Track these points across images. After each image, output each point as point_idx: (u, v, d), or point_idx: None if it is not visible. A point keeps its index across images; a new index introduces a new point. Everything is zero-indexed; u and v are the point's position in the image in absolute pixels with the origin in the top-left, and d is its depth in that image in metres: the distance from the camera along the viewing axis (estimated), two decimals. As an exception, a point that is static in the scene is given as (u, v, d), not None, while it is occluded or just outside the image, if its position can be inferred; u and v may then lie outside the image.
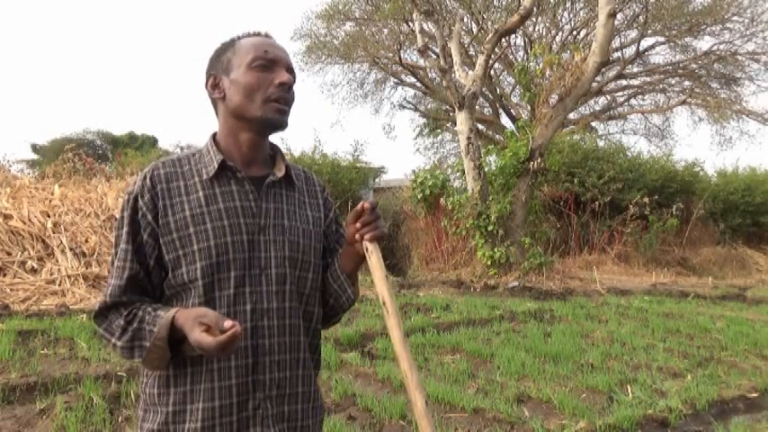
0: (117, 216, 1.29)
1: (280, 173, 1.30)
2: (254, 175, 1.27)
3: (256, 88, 1.22)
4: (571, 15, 17.90)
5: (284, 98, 1.25)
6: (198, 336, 1.03)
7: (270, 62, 1.24)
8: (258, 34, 1.31)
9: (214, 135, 1.32)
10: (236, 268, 1.19)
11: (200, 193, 1.22)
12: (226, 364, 1.16)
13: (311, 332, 1.31)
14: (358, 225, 1.23)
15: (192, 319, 1.07)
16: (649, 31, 16.45)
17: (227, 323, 1.03)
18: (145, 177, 1.22)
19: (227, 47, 1.29)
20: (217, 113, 1.31)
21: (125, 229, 1.20)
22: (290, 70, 1.28)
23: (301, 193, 1.35)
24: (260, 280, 1.21)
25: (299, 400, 1.25)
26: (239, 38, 1.30)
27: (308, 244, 1.30)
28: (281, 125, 1.26)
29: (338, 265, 1.34)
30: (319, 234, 1.34)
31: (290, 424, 1.23)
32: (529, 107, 13.56)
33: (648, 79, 18.85)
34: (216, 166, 1.23)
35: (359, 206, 1.24)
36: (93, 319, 1.20)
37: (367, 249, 1.24)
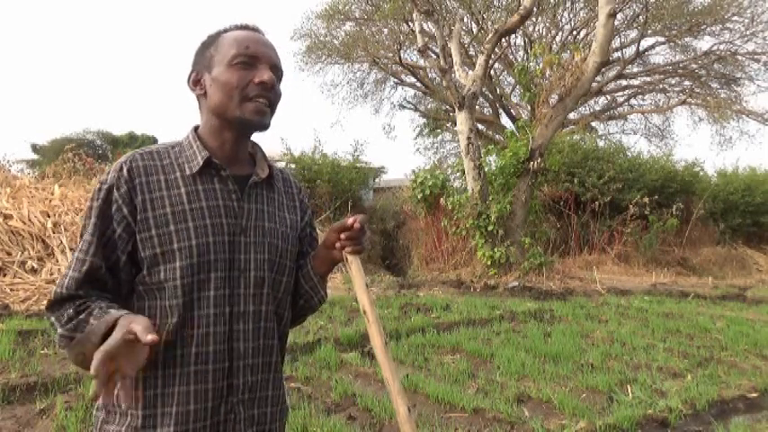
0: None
1: (263, 173, 1.27)
2: (236, 174, 1.23)
3: (235, 87, 1.17)
4: (571, 15, 17.91)
5: (264, 97, 1.19)
6: (97, 350, 0.94)
7: (251, 59, 1.19)
8: (245, 27, 1.25)
9: (196, 128, 1.27)
10: (218, 269, 1.15)
11: (182, 190, 1.17)
12: (203, 367, 1.13)
13: (281, 335, 1.30)
14: (342, 236, 1.23)
15: (120, 329, 0.97)
16: (649, 31, 16.45)
17: (149, 338, 0.94)
18: (121, 168, 1.15)
19: (211, 41, 1.24)
20: (200, 109, 1.27)
21: (92, 220, 1.13)
22: (275, 67, 1.22)
23: (280, 195, 1.32)
24: (239, 282, 1.18)
25: (268, 403, 1.24)
26: (225, 31, 1.25)
27: (286, 247, 1.27)
28: (260, 126, 1.22)
29: (311, 267, 1.33)
30: (295, 237, 1.32)
31: (258, 427, 1.21)
32: (529, 107, 13.56)
33: (648, 79, 18.84)
34: (200, 162, 1.18)
35: (349, 221, 1.22)
36: (45, 309, 1.13)
37: (347, 260, 1.25)
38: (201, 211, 1.16)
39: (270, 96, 1.20)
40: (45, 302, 1.17)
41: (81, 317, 1.07)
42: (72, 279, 1.11)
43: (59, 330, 1.09)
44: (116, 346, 0.94)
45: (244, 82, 1.18)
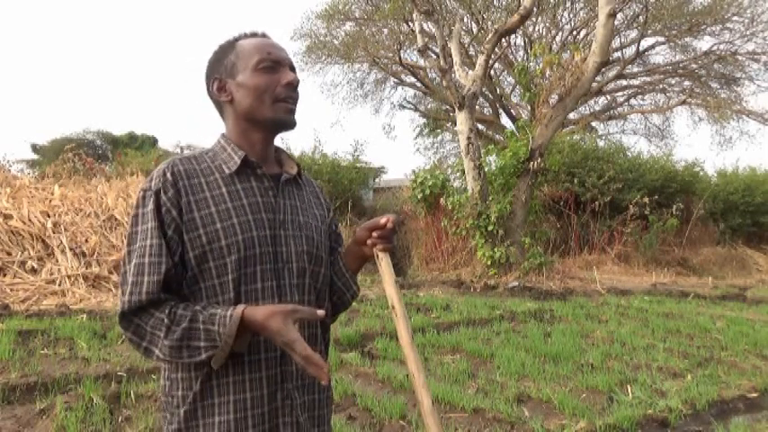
0: (127, 214, 1.22)
1: (293, 170, 1.34)
2: (269, 173, 1.30)
3: (264, 90, 1.24)
4: (571, 15, 17.90)
5: (292, 97, 1.27)
6: (296, 336, 1.07)
7: (274, 63, 1.27)
8: (255, 35, 1.32)
9: (223, 134, 1.33)
10: (263, 262, 1.21)
11: (223, 189, 1.23)
12: (255, 357, 1.18)
13: (322, 325, 1.35)
14: (375, 234, 1.30)
15: (280, 316, 1.08)
16: (649, 31, 16.45)
17: (321, 312, 1.13)
18: (164, 173, 1.20)
19: (228, 50, 1.30)
20: (223, 116, 1.33)
21: (151, 224, 1.16)
22: (293, 69, 1.31)
23: (307, 192, 1.39)
24: (283, 274, 1.23)
25: (316, 390, 1.29)
26: (238, 39, 1.31)
27: (320, 240, 1.34)
28: (290, 125, 1.29)
29: (342, 264, 1.40)
30: (326, 231, 1.39)
31: (311, 413, 1.26)
32: (529, 107, 13.57)
33: (648, 79, 18.84)
34: (238, 162, 1.24)
35: (383, 219, 1.29)
36: (119, 322, 1.15)
37: (378, 256, 1.32)
38: (243, 208, 1.22)
39: (295, 96, 1.29)
40: (118, 316, 1.16)
41: (183, 325, 1.11)
42: (153, 283, 1.13)
43: (166, 342, 1.11)
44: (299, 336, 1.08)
45: (272, 84, 1.25)
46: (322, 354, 1.31)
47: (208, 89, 1.32)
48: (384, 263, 1.31)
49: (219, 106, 1.32)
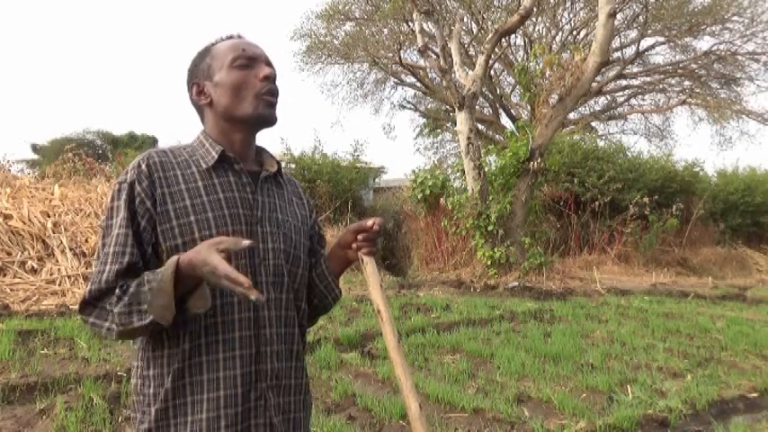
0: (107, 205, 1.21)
1: (272, 168, 1.33)
2: (248, 169, 1.29)
3: (243, 86, 1.24)
4: (571, 15, 17.91)
5: (271, 91, 1.26)
6: (217, 260, 1.00)
7: (249, 59, 1.26)
8: (231, 37, 1.33)
9: (203, 131, 1.32)
10: (238, 257, 1.19)
11: (200, 183, 1.21)
12: (230, 353, 1.16)
13: (300, 325, 1.33)
14: (360, 237, 1.28)
15: (205, 247, 1.04)
16: (649, 31, 16.45)
17: (245, 242, 1.04)
18: (140, 165, 1.19)
19: (204, 55, 1.31)
20: (203, 120, 1.32)
21: (122, 214, 1.15)
22: (270, 64, 1.30)
23: (288, 192, 1.38)
24: (260, 270, 1.22)
25: (292, 391, 1.27)
26: (213, 44, 1.32)
27: (299, 240, 1.32)
28: (271, 120, 1.28)
29: (325, 267, 1.38)
30: (306, 232, 1.37)
31: (285, 416, 1.24)
32: (529, 107, 13.57)
33: (648, 79, 18.84)
34: (215, 156, 1.24)
35: (369, 222, 1.27)
36: (79, 311, 1.13)
37: (362, 261, 1.30)
38: (219, 202, 1.21)
39: (274, 89, 1.28)
40: (78, 305, 1.15)
41: (131, 290, 1.08)
42: (112, 272, 1.11)
43: (116, 310, 1.08)
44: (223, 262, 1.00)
45: (250, 80, 1.25)
46: (299, 353, 1.30)
47: (189, 97, 1.32)
48: (369, 267, 1.29)
49: (200, 111, 1.32)
